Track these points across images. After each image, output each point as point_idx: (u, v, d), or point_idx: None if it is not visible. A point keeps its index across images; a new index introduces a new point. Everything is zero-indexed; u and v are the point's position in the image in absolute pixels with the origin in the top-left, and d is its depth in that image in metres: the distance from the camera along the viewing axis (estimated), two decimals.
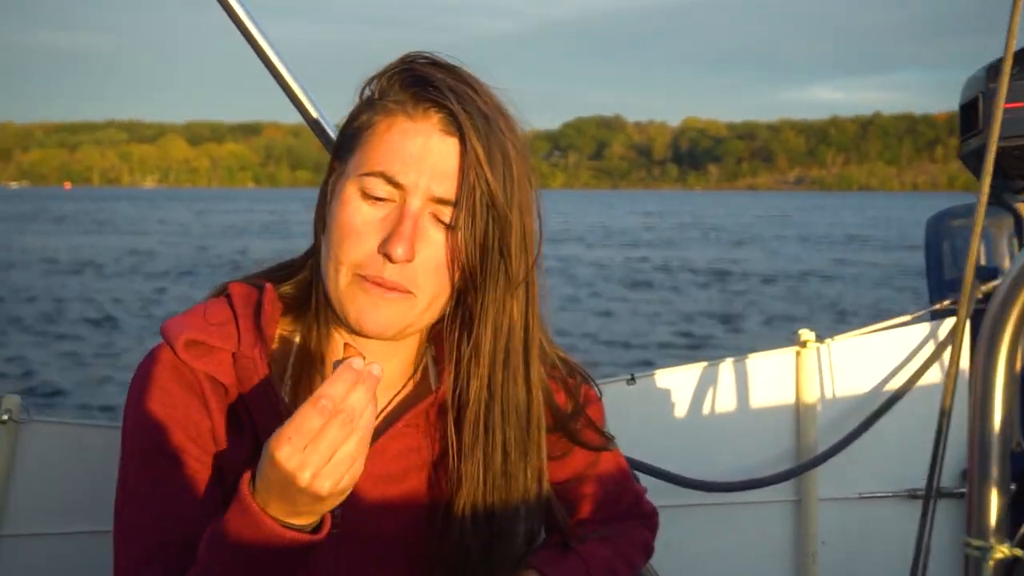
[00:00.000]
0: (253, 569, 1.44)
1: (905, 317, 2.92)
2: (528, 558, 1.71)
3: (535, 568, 1.70)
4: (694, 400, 2.78)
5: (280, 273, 1.70)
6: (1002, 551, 1.76)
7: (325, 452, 1.34)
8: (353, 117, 1.60)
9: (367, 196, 1.53)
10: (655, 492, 2.01)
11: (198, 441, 1.58)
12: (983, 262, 3.00)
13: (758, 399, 2.81)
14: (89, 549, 2.27)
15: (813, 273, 33.69)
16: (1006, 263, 3.00)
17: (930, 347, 2.85)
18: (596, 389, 1.83)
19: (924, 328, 2.89)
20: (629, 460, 1.96)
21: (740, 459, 2.79)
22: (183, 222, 66.93)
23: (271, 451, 1.35)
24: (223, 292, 1.68)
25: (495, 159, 1.53)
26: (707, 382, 2.78)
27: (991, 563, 1.76)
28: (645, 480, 2.34)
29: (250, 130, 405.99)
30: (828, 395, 2.84)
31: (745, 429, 2.81)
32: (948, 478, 2.71)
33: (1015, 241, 3.01)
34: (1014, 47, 2.04)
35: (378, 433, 1.63)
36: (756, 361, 2.82)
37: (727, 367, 2.81)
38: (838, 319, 22.22)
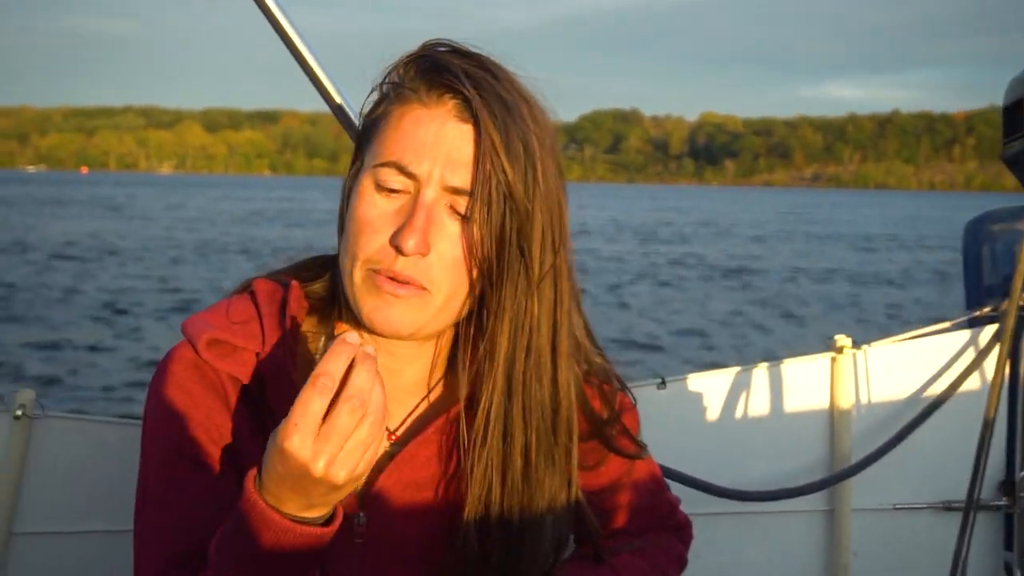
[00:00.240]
0: (265, 570, 1.38)
1: (943, 324, 2.86)
2: (557, 570, 1.65)
3: None
4: (726, 406, 2.71)
5: (307, 273, 1.64)
6: None
7: (337, 440, 1.29)
8: (372, 108, 1.55)
9: (381, 188, 1.48)
10: (683, 499, 1.95)
11: (220, 444, 1.52)
12: None
13: (792, 406, 2.75)
14: (105, 549, 2.24)
15: (840, 271, 33.50)
16: None
17: (970, 355, 2.79)
18: (631, 396, 1.76)
19: (964, 335, 2.83)
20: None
21: (772, 467, 2.73)
22: (201, 208, 67.08)
23: (279, 442, 1.30)
24: (247, 289, 1.62)
25: (514, 148, 1.45)
26: (739, 387, 2.71)
27: None
28: (673, 487, 2.28)
29: (267, 117, 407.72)
30: (863, 402, 2.77)
31: (778, 436, 2.74)
32: (985, 490, 2.66)
33: None
34: None
35: (406, 439, 1.58)
36: (790, 367, 2.76)
37: (760, 372, 2.74)
38: (864, 319, 22.08)
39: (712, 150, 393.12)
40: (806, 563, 2.78)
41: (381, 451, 1.57)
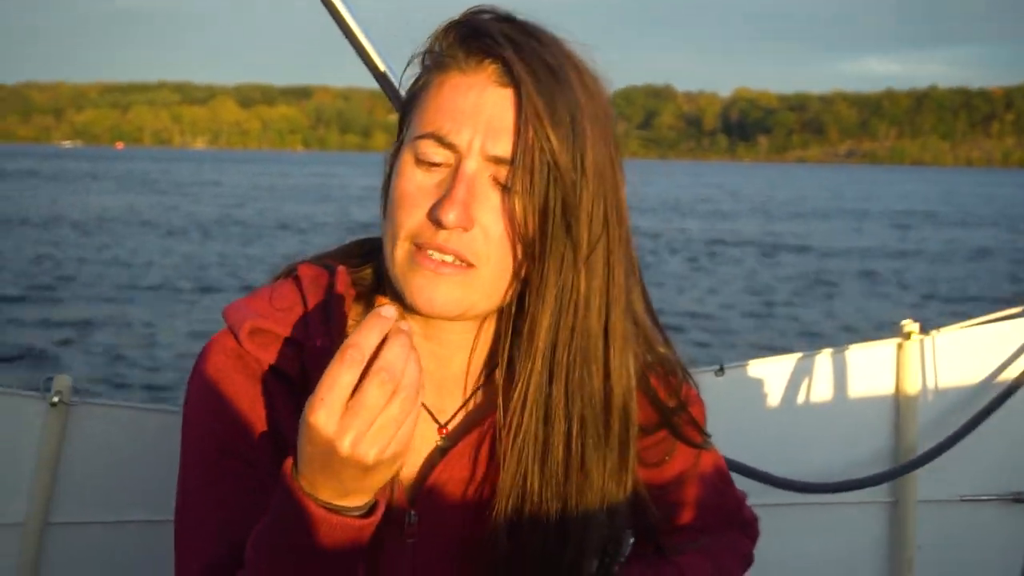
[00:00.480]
0: (303, 563, 1.29)
1: (1015, 308, 2.76)
2: (619, 568, 1.56)
3: None
4: (786, 393, 2.65)
5: (354, 259, 1.56)
6: None
7: (366, 416, 1.20)
8: (415, 81, 1.47)
9: (421, 162, 1.39)
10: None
11: (264, 439, 1.45)
12: None
13: (855, 394, 2.68)
14: (144, 540, 2.21)
15: (887, 251, 33.15)
16: None
17: None
18: (696, 388, 1.67)
19: None
20: None
21: (834, 457, 2.66)
22: (237, 183, 67.38)
23: (306, 417, 1.22)
24: (291, 274, 1.54)
25: (559, 115, 1.35)
26: (801, 374, 2.64)
27: None
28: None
29: (301, 93, 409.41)
30: (931, 390, 2.70)
31: (840, 425, 2.68)
32: None
33: None
34: None
35: (459, 435, 1.50)
36: (855, 353, 2.69)
37: (823, 359, 2.67)
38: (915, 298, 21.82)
39: (745, 126, 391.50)
40: (868, 557, 2.72)
41: (431, 446, 1.51)
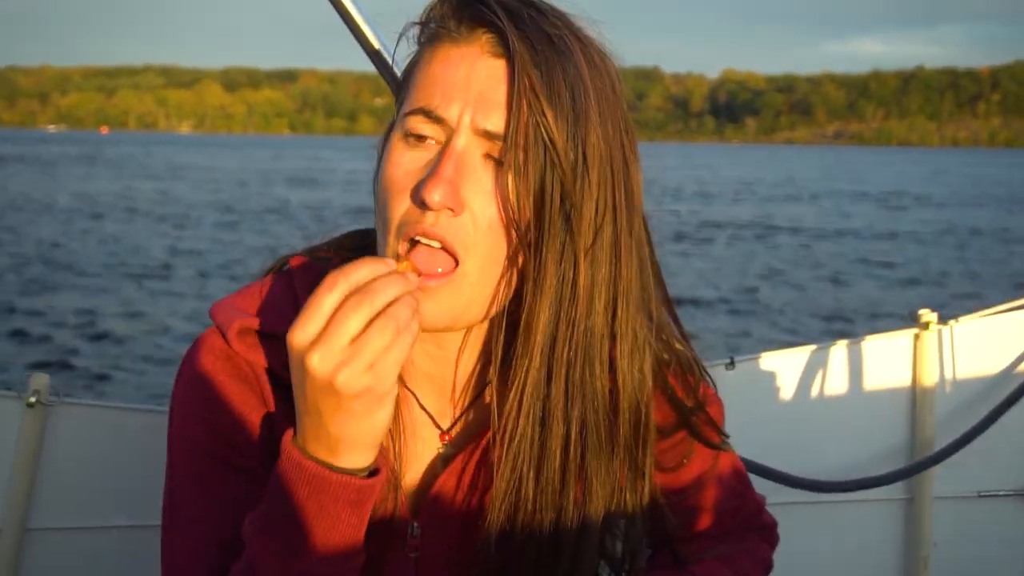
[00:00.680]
0: (300, 529, 1.20)
1: None
2: None
3: None
4: (799, 388, 2.60)
5: (347, 252, 1.45)
6: None
7: (340, 337, 1.13)
8: (409, 61, 1.37)
9: (409, 138, 1.29)
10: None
11: (255, 443, 1.37)
12: None
13: (870, 387, 2.63)
14: (127, 545, 2.17)
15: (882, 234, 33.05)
16: None
17: None
18: (714, 387, 1.58)
19: None
20: None
21: (848, 453, 2.61)
22: (225, 168, 67.17)
23: (287, 340, 1.15)
24: (282, 268, 1.45)
25: (557, 89, 1.24)
26: (814, 367, 2.58)
27: None
28: None
29: (287, 76, 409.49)
30: (948, 382, 2.64)
31: (855, 420, 2.62)
32: None
33: None
34: None
35: (462, 442, 1.42)
36: (870, 344, 2.63)
37: (837, 351, 2.61)
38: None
39: (733, 108, 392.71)
40: (882, 555, 2.67)
41: (434, 453, 1.44)
